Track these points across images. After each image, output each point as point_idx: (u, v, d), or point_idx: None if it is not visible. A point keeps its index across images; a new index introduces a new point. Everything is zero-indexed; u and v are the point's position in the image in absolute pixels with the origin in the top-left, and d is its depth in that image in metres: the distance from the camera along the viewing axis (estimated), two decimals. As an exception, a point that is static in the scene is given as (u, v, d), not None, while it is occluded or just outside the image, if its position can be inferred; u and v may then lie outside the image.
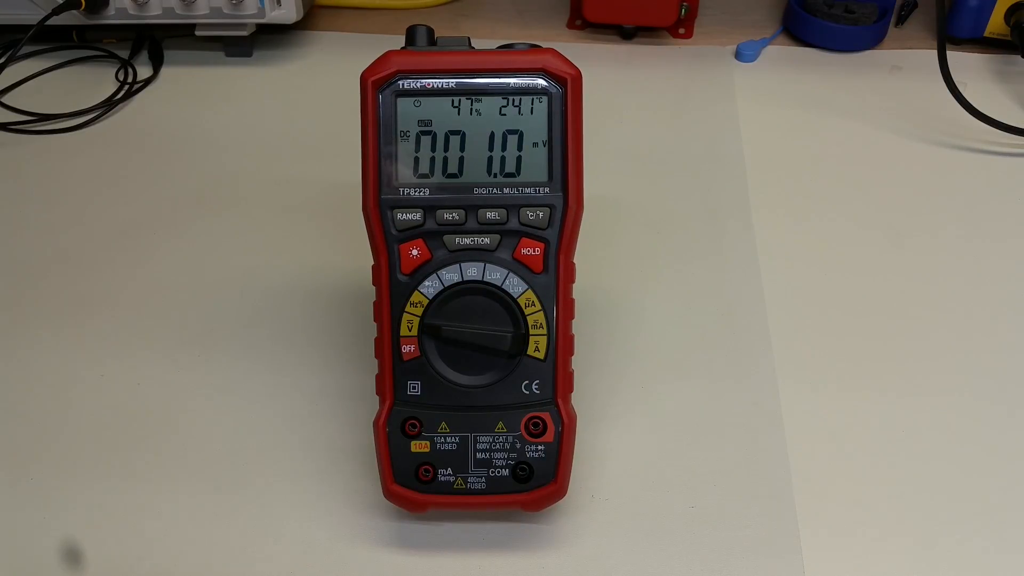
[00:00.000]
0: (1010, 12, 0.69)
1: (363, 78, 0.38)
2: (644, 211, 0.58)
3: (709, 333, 0.50)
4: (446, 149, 0.38)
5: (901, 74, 0.71)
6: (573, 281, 0.39)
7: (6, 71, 0.68)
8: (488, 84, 0.38)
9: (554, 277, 0.38)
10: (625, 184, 0.60)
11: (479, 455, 0.38)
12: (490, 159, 0.38)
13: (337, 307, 0.51)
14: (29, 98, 0.67)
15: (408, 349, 0.38)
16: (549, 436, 0.38)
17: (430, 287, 0.38)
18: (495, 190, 0.38)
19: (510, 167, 0.38)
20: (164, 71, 0.71)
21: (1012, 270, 0.54)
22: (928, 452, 0.44)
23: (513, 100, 0.38)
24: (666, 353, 0.49)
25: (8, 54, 0.67)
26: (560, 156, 0.38)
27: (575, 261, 0.39)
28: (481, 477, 0.38)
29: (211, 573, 0.40)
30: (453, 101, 0.38)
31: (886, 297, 0.52)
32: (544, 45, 0.39)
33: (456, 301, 0.38)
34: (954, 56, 0.65)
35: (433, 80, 0.38)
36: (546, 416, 0.38)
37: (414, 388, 0.39)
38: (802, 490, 0.42)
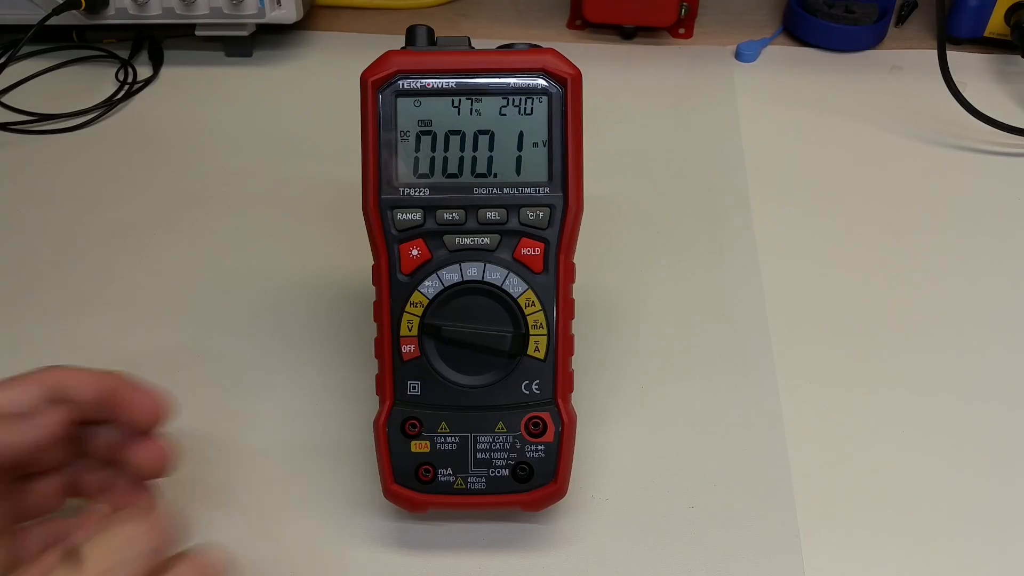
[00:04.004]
0: (1010, 12, 0.69)
1: (363, 78, 0.38)
2: (644, 211, 0.58)
3: (709, 333, 0.50)
4: (446, 149, 0.38)
5: (901, 74, 0.71)
6: (573, 281, 0.39)
7: (6, 71, 0.68)
8: (488, 84, 0.38)
9: (554, 277, 0.38)
10: (625, 184, 0.60)
11: (479, 455, 0.38)
12: (490, 159, 0.38)
13: (337, 307, 0.51)
14: (29, 98, 0.67)
15: (408, 349, 0.38)
16: (549, 436, 0.38)
17: (430, 287, 0.38)
18: (495, 190, 0.38)
19: (510, 167, 0.38)
20: (164, 71, 0.71)
21: (1012, 270, 0.54)
22: (928, 451, 0.44)
23: (513, 100, 0.38)
24: (666, 353, 0.49)
25: (8, 54, 0.67)
26: (560, 156, 0.38)
27: (575, 261, 0.39)
28: (481, 477, 0.38)
29: (211, 573, 0.40)
30: (453, 101, 0.38)
31: (886, 297, 0.52)
32: (544, 45, 0.39)
33: (456, 301, 0.38)
34: (954, 56, 0.65)
35: (433, 80, 0.38)
36: (546, 416, 0.38)
37: (414, 388, 0.39)
38: (802, 490, 0.42)
